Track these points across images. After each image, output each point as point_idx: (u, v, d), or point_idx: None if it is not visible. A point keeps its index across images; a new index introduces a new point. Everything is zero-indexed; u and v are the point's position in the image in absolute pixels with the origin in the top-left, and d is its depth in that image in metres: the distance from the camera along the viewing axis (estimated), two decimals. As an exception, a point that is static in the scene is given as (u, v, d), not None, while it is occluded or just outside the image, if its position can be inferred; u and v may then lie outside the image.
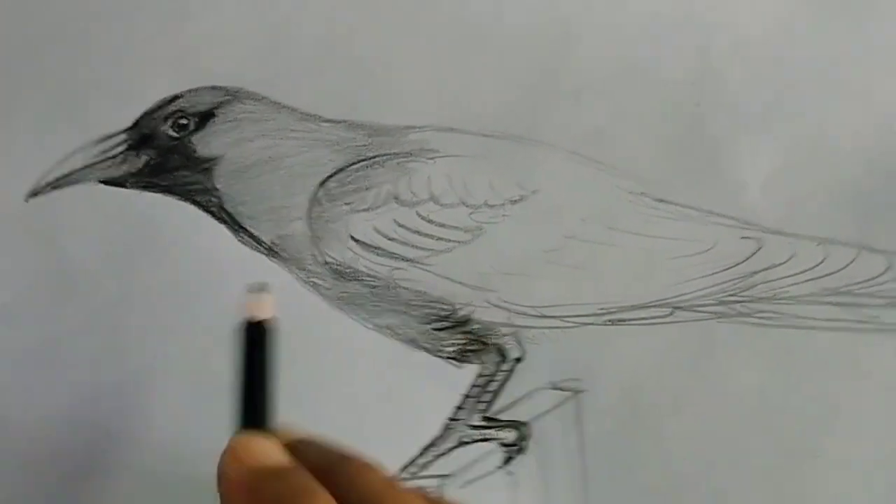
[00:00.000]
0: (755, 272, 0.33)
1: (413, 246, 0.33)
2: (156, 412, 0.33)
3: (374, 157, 0.33)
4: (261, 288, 0.27)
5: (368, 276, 0.33)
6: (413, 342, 0.33)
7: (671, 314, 0.33)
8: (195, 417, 0.32)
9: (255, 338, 0.27)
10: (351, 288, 0.33)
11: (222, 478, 0.24)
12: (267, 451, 0.24)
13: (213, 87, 0.33)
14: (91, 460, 0.32)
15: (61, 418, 0.33)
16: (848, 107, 0.33)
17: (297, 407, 0.32)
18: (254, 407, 0.26)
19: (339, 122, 0.33)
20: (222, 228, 0.33)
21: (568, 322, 0.33)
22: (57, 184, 0.33)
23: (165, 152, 0.33)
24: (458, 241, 0.33)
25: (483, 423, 0.33)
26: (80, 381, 0.33)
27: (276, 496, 0.22)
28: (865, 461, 0.29)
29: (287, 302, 0.33)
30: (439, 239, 0.33)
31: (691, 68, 0.33)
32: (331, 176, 0.33)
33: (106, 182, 0.33)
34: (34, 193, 0.33)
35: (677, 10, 0.33)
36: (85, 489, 0.32)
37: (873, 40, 0.33)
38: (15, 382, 0.32)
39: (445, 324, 0.33)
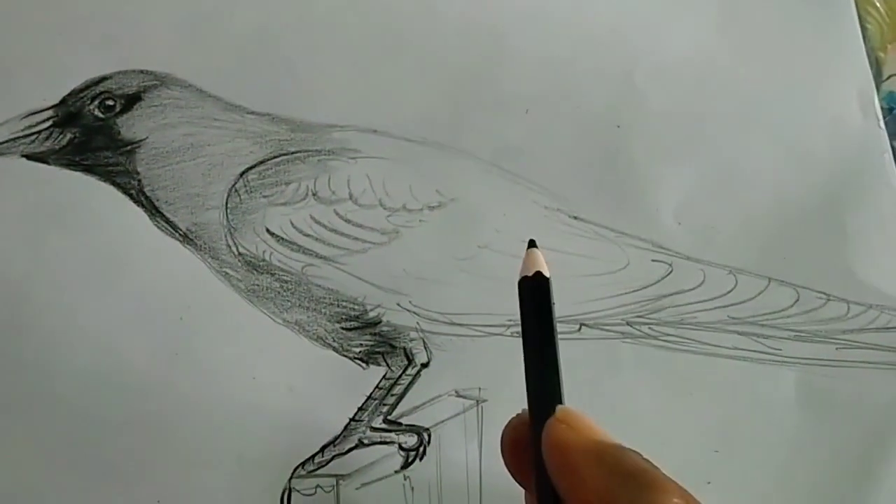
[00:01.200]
0: (664, 296, 0.33)
1: (328, 244, 0.33)
2: (62, 396, 0.33)
3: (296, 152, 0.33)
4: (533, 244, 0.28)
5: (281, 270, 0.33)
6: (321, 340, 0.33)
7: (578, 330, 0.33)
8: (95, 396, 0.32)
9: (536, 293, 0.27)
10: (263, 281, 0.33)
11: (559, 446, 0.23)
12: (598, 427, 0.24)
13: (142, 71, 0.33)
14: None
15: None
16: (763, 139, 0.33)
17: (201, 398, 0.33)
18: (550, 372, 0.26)
19: (263, 115, 0.33)
20: (139, 212, 0.33)
21: (476, 331, 0.33)
22: (-21, 154, 0.33)
23: (90, 132, 0.33)
24: (374, 243, 0.33)
25: (384, 426, 0.33)
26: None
27: (632, 469, 0.22)
28: (757, 491, 0.29)
29: (197, 290, 0.33)
30: (355, 239, 0.33)
31: (614, 91, 0.33)
32: (251, 167, 0.33)
33: (29, 157, 0.33)
34: (-44, 163, 0.33)
35: (604, 32, 0.33)
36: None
37: (795, 78, 0.33)
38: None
39: (355, 324, 0.33)
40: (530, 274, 0.28)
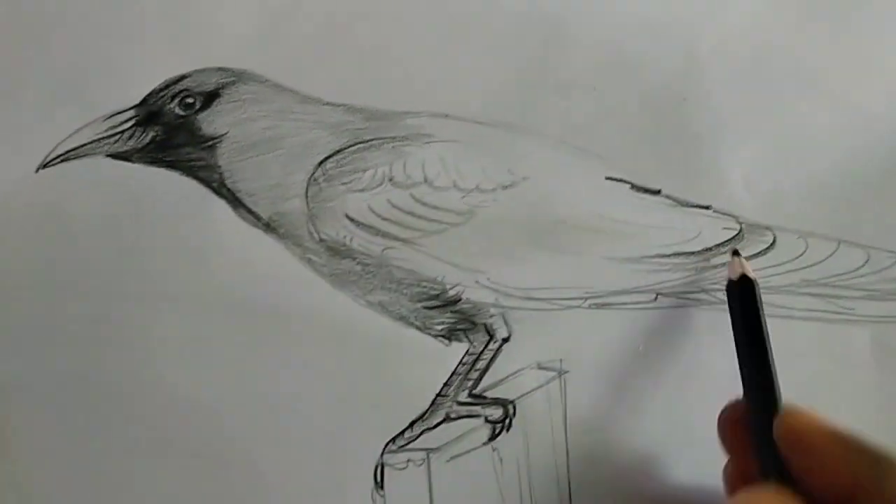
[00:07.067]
0: (736, 262, 0.34)
1: (406, 226, 0.34)
2: (154, 382, 0.34)
3: (371, 140, 0.34)
4: (737, 253, 0.33)
5: (362, 254, 0.34)
6: (404, 319, 0.34)
7: (655, 300, 0.34)
8: (187, 382, 0.34)
9: (746, 295, 0.31)
10: (345, 265, 0.34)
11: (797, 431, 0.27)
12: (825, 418, 0.28)
13: (219, 69, 0.34)
14: (84, 423, 0.33)
15: (60, 383, 0.34)
16: (828, 104, 0.34)
17: (293, 380, 0.34)
18: (762, 364, 0.30)
19: (339, 105, 0.34)
20: (222, 204, 0.34)
21: (554, 304, 0.34)
22: (66, 156, 0.34)
23: (171, 129, 0.34)
24: (450, 224, 0.34)
25: (470, 400, 0.34)
26: (79, 348, 0.34)
27: (876, 451, 0.26)
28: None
29: (282, 277, 0.34)
30: (432, 220, 0.34)
31: (678, 65, 0.34)
32: (329, 157, 0.34)
33: (113, 156, 0.35)
34: (44, 165, 0.34)
35: (665, 8, 0.34)
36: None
37: (853, 41, 0.34)
38: (17, 348, 0.34)
39: (435, 303, 0.34)
40: (735, 278, 0.31)
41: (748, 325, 0.31)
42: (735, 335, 0.31)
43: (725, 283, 0.33)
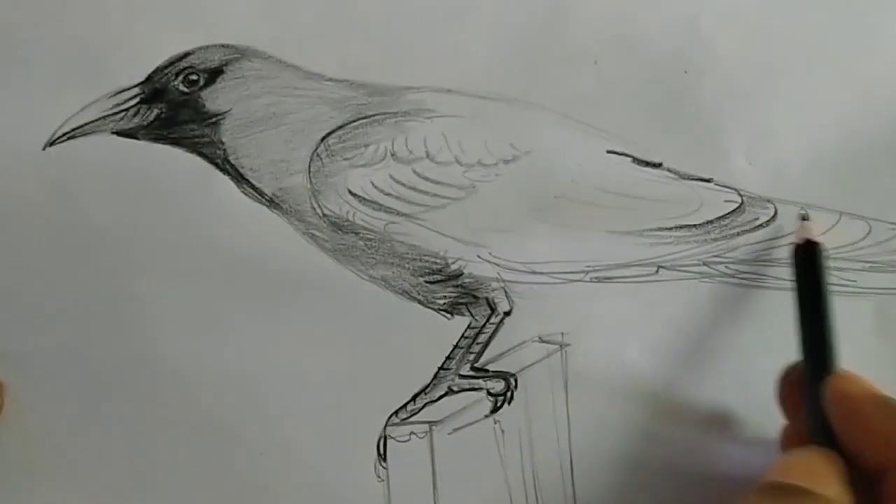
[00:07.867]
0: (738, 234, 0.34)
1: (408, 201, 0.34)
2: (162, 359, 0.34)
3: (374, 115, 0.35)
4: (807, 216, 0.33)
5: (364, 229, 0.34)
6: (406, 294, 0.34)
7: (656, 273, 0.34)
8: (195, 357, 0.34)
9: (811, 258, 0.31)
10: (348, 240, 0.34)
11: (845, 396, 0.28)
12: (873, 383, 0.29)
13: (223, 45, 0.35)
14: (93, 398, 0.34)
15: (67, 358, 0.34)
16: (830, 76, 0.34)
17: (298, 355, 0.34)
18: (824, 330, 0.30)
19: (341, 81, 0.35)
20: (226, 180, 0.35)
21: (556, 278, 0.34)
22: (73, 134, 0.35)
23: (176, 106, 0.35)
24: (452, 198, 0.34)
25: (472, 374, 0.34)
26: (87, 323, 0.34)
27: None
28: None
29: (286, 252, 0.34)
30: (434, 195, 0.34)
31: (680, 37, 0.34)
32: (331, 132, 0.34)
33: (119, 133, 0.35)
34: (51, 142, 0.35)
35: (668, -21, 0.34)
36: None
37: (857, 13, 0.34)
38: (24, 323, 0.34)
39: (438, 277, 0.34)
40: (801, 242, 0.31)
41: (810, 289, 0.31)
42: (797, 298, 0.31)
43: (737, 256, 0.34)
